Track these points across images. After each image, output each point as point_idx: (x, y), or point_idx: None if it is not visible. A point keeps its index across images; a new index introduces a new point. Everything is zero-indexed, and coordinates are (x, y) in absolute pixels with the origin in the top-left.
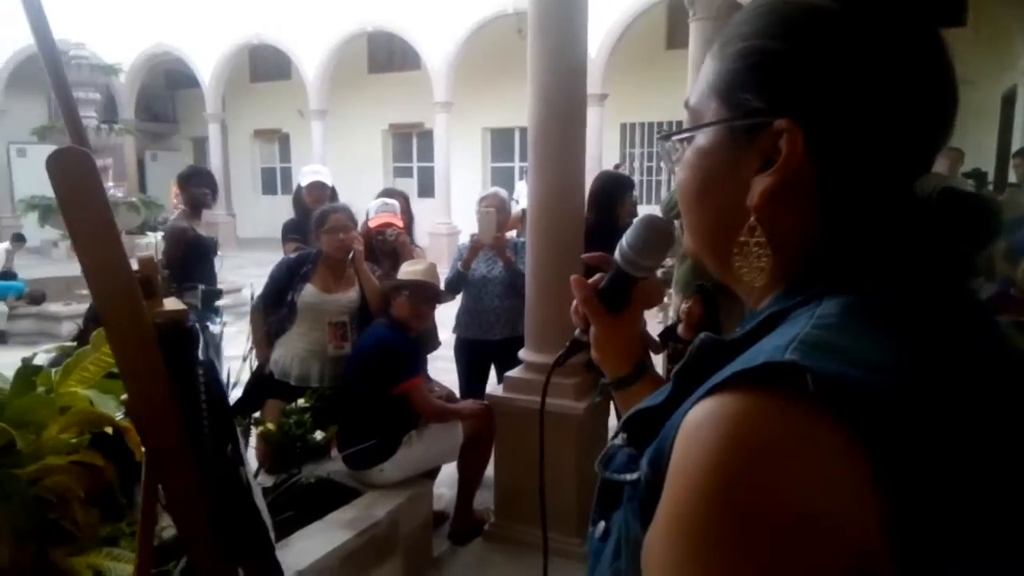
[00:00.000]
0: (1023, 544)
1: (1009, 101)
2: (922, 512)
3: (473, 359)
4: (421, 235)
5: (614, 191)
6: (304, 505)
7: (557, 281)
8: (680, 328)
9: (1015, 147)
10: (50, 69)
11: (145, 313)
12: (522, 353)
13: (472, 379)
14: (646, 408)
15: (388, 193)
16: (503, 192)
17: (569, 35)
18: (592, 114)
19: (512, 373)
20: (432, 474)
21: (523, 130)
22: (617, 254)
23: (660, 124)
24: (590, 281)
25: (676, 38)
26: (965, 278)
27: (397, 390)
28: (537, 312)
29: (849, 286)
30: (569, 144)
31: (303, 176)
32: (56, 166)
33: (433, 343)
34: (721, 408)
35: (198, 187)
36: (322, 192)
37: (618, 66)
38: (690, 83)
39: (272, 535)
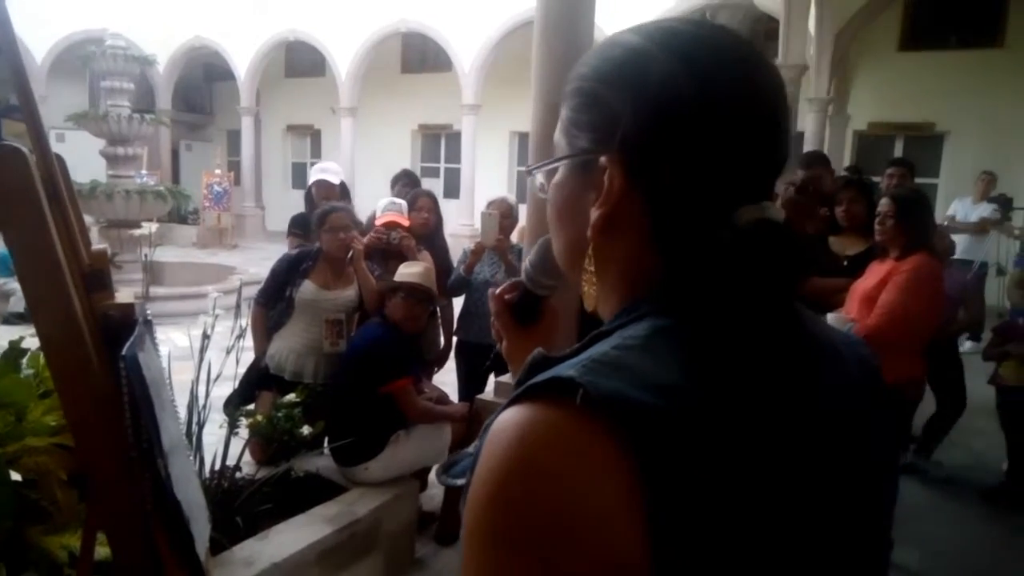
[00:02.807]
0: (772, 558)
1: None
2: (683, 530)
3: (472, 362)
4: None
5: None
6: (290, 498)
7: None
8: None
9: None
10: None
11: (75, 311)
12: None
13: (471, 382)
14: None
15: (407, 179)
16: (511, 198)
17: (573, 39)
18: None
19: (503, 378)
20: (422, 474)
21: None
22: (523, 273)
23: None
24: (506, 296)
25: None
26: (782, 305)
27: (384, 390)
28: None
29: (669, 310)
30: None
31: (313, 173)
32: None
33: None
34: (510, 416)
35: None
36: (330, 190)
37: None
38: None
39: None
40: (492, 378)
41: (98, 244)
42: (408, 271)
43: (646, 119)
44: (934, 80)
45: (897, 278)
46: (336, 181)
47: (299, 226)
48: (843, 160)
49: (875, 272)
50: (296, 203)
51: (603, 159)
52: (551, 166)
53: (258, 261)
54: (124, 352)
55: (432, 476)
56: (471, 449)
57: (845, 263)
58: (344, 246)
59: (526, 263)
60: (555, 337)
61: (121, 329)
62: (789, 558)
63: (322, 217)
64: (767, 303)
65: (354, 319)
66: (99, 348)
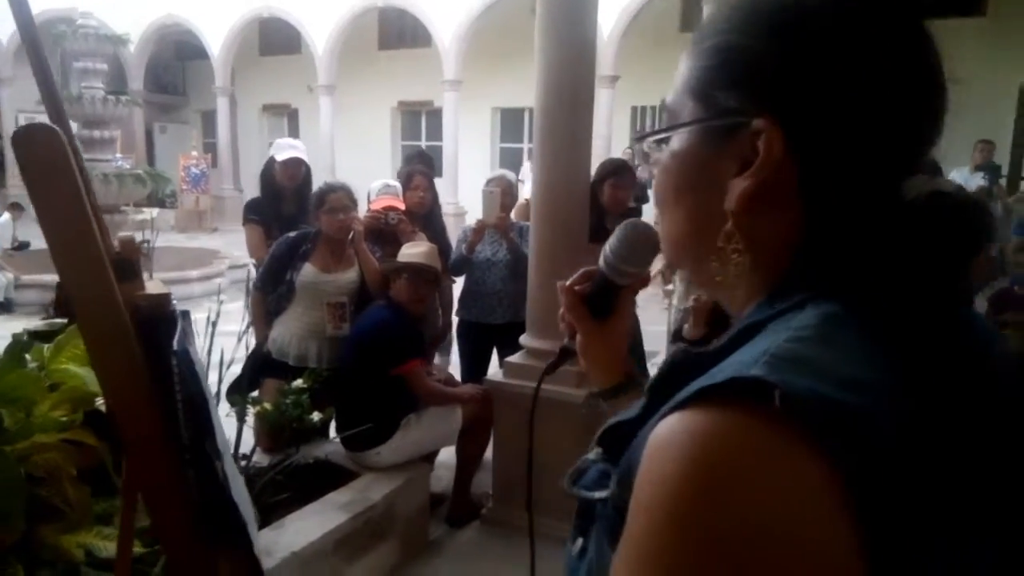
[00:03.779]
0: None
1: None
2: (897, 533)
3: (474, 342)
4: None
5: (596, 177)
6: (301, 486)
7: (560, 266)
8: (686, 328)
9: None
10: (31, 51)
11: (117, 299)
12: (523, 339)
13: (473, 362)
14: (620, 422)
15: (419, 160)
16: (510, 175)
17: (578, 12)
18: (602, 96)
19: (512, 359)
20: (431, 456)
21: (533, 111)
22: (601, 260)
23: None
24: (577, 287)
25: (691, 20)
26: (955, 284)
27: (395, 372)
28: (539, 298)
29: (832, 295)
30: (576, 126)
31: (278, 150)
32: (23, 142)
33: (441, 335)
34: (684, 425)
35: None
36: (297, 170)
37: (630, 48)
38: None
39: (253, 528)
40: (495, 358)
41: None
42: (412, 251)
43: (811, 75)
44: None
45: None
46: (306, 159)
47: (256, 211)
48: None
49: None
50: None
51: (757, 122)
52: (670, 134)
53: (240, 244)
54: (175, 347)
55: (440, 457)
56: (592, 456)
57: None
58: (344, 227)
59: (605, 249)
60: (631, 330)
61: (154, 322)
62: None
63: (321, 197)
64: (942, 285)
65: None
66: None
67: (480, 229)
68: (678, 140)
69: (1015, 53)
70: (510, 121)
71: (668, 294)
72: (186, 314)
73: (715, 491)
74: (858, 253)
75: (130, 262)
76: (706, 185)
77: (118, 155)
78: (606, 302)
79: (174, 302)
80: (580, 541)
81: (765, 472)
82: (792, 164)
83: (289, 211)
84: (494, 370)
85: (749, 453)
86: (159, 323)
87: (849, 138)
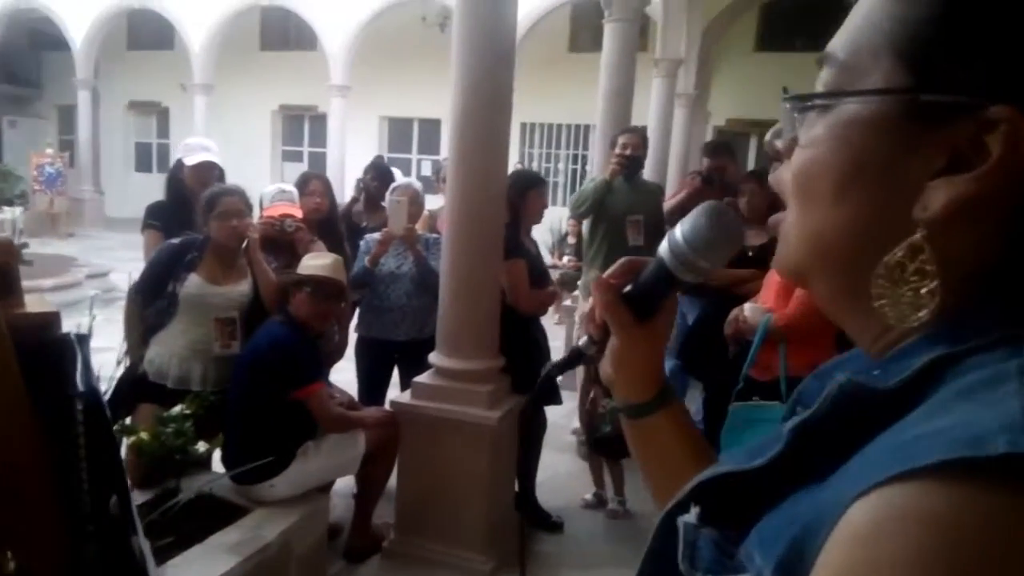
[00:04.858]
0: None
1: None
2: None
3: (375, 360)
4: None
5: (517, 188)
6: (183, 526)
7: (475, 280)
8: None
9: None
10: None
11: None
12: (432, 357)
13: (373, 382)
14: (733, 473)
15: (376, 171)
16: (417, 184)
17: (497, 19)
18: None
19: (421, 379)
20: (326, 485)
21: (423, 121)
22: (667, 251)
23: (560, 126)
24: (615, 282)
25: (579, 41)
26: None
27: (294, 396)
28: (451, 313)
29: None
30: (494, 135)
31: (188, 152)
32: None
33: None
34: (944, 505)
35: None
36: (210, 174)
37: (520, 66)
38: (602, 86)
39: None
40: (397, 376)
41: None
42: (315, 263)
43: None
44: (785, 80)
45: None
46: (220, 161)
47: (158, 217)
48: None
49: None
50: (141, 188)
51: (998, 109)
52: (848, 100)
53: (99, 251)
54: (80, 387)
55: (341, 486)
56: (691, 518)
57: (750, 253)
58: (238, 235)
59: (676, 236)
60: (669, 337)
61: (41, 349)
62: None
63: (211, 201)
64: None
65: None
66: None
67: (385, 240)
68: (858, 109)
69: None
70: (399, 131)
71: (566, 310)
72: (84, 339)
73: None
74: None
75: (4, 273)
76: (888, 177)
77: None
78: (656, 302)
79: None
80: None
81: None
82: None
83: (198, 219)
84: (398, 390)
85: None
86: (48, 351)
87: None
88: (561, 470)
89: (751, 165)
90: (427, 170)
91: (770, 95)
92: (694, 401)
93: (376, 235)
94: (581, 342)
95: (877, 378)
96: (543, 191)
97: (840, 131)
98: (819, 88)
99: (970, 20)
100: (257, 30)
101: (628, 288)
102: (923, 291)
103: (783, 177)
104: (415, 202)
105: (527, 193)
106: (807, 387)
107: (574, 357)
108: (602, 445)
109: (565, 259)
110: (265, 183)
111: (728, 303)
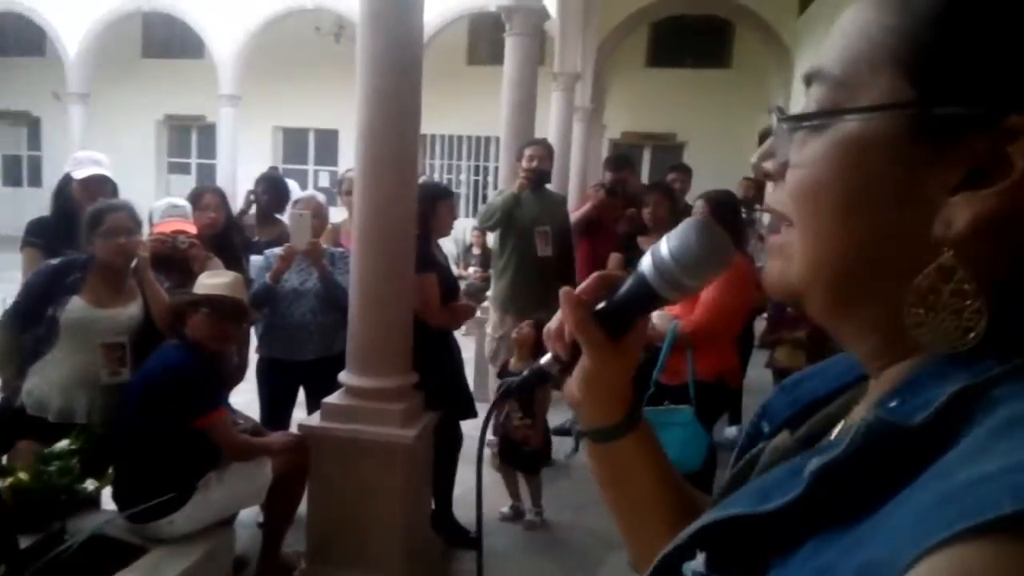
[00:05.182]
0: None
1: (765, 138)
2: None
3: (279, 382)
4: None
5: (427, 200)
6: (73, 572)
7: (386, 295)
8: (512, 362)
9: None
10: None
11: None
12: (342, 376)
13: (277, 405)
14: (743, 516)
15: (267, 183)
16: (320, 196)
17: (403, 30)
18: None
19: (331, 399)
20: (230, 516)
21: (320, 132)
22: (650, 266)
23: (461, 138)
24: (584, 297)
25: (477, 54)
26: None
27: (194, 425)
28: (362, 330)
29: None
30: (403, 147)
31: (77, 165)
32: None
33: (235, 376)
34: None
35: None
36: (101, 189)
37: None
38: (505, 99)
39: None
40: (303, 398)
41: None
42: (212, 282)
43: None
44: (675, 95)
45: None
46: (111, 175)
47: (39, 234)
48: (600, 167)
49: None
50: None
51: (1015, 119)
52: (851, 118)
53: None
54: None
55: (245, 516)
56: (698, 567)
57: None
58: (126, 253)
59: (661, 251)
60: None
61: None
62: None
63: (96, 217)
64: None
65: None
66: None
67: (288, 256)
68: (859, 126)
69: (755, 100)
70: (294, 142)
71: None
72: None
73: None
74: None
75: None
76: (901, 197)
77: None
78: (630, 319)
79: None
80: None
81: None
82: None
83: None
84: (301, 412)
85: None
86: None
87: None
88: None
89: (645, 176)
90: (325, 181)
91: (661, 109)
92: None
93: (277, 250)
94: (544, 361)
95: (898, 411)
96: (452, 203)
97: (842, 150)
98: (811, 106)
99: (975, 25)
100: (139, 36)
101: (601, 305)
102: (966, 313)
103: (779, 199)
104: (319, 215)
105: (437, 205)
106: (774, 401)
107: (536, 377)
108: (520, 460)
109: (471, 270)
110: (150, 196)
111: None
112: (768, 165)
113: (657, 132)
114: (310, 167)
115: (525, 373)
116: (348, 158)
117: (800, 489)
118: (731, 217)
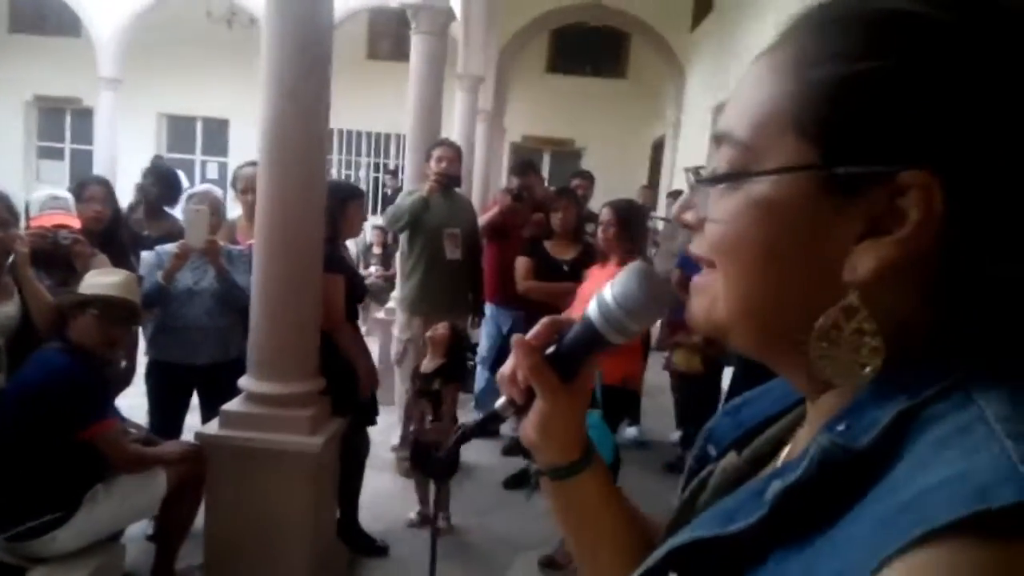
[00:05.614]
0: None
1: (658, 147)
2: None
3: (171, 387)
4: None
5: (336, 199)
6: None
7: (293, 298)
8: (425, 363)
9: (663, 187)
10: None
11: None
12: (243, 381)
13: (168, 412)
14: (711, 539)
15: (154, 176)
16: (217, 191)
17: (313, 19)
18: None
19: (230, 406)
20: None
21: (209, 120)
22: (597, 313)
23: (360, 134)
24: (534, 343)
25: (377, 49)
26: None
27: (81, 436)
28: (265, 334)
29: (984, 377)
30: (312, 143)
31: None
32: None
33: (121, 377)
34: (979, 561)
35: None
36: None
37: None
38: (412, 97)
39: None
40: (196, 402)
41: None
42: (102, 281)
43: (979, 118)
44: (574, 101)
45: None
46: None
47: None
48: (501, 169)
49: (598, 277)
50: None
51: (909, 175)
52: (764, 177)
53: None
54: None
55: (133, 529)
56: None
57: (565, 268)
58: (1, 248)
59: (605, 299)
60: (591, 396)
61: None
62: None
63: None
64: None
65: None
66: None
67: (183, 254)
68: (771, 187)
69: (650, 112)
70: (180, 130)
71: (372, 321)
72: None
73: None
74: (999, 327)
75: None
76: (813, 247)
77: None
78: (580, 362)
79: None
80: None
81: None
82: (938, 225)
83: None
84: (193, 417)
85: None
86: None
87: (1012, 194)
88: (382, 491)
89: (544, 180)
90: (213, 172)
91: (560, 115)
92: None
93: (170, 246)
94: (499, 405)
95: (846, 434)
96: (362, 203)
97: (756, 208)
98: (723, 167)
99: (866, 93)
100: (5, 10)
101: (551, 349)
102: (864, 350)
103: (701, 246)
104: (216, 211)
105: (347, 205)
106: (719, 424)
107: (490, 419)
108: (431, 467)
109: (372, 269)
110: (18, 183)
111: (544, 316)
112: (688, 217)
113: (556, 137)
114: (197, 157)
115: (480, 418)
116: (240, 149)
117: (764, 511)
118: (636, 226)
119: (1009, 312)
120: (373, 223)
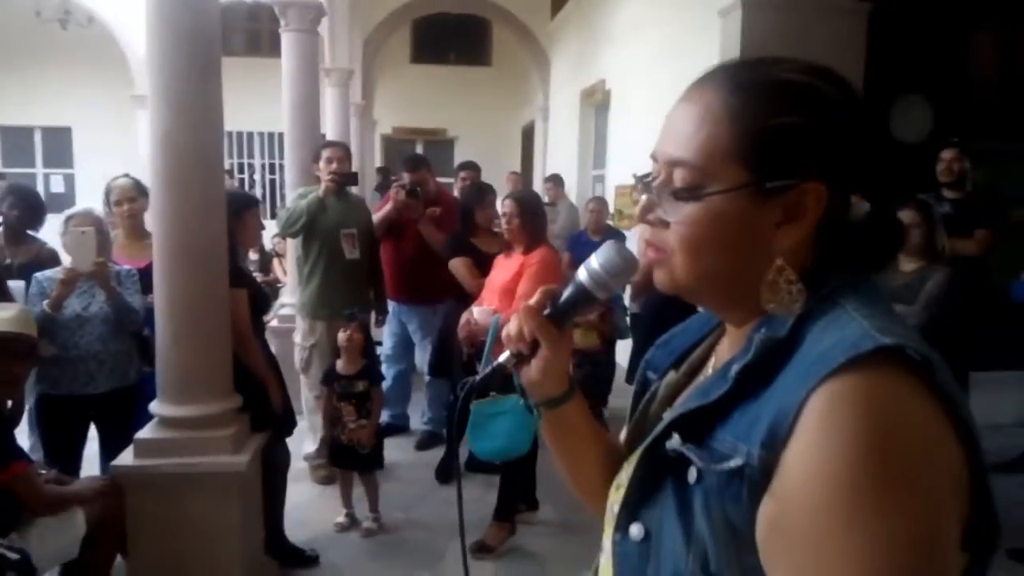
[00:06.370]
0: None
1: (528, 133)
2: (970, 440)
3: (65, 421)
4: None
5: (232, 209)
6: None
7: (201, 316)
8: (340, 364)
9: (536, 173)
10: None
11: None
12: (155, 407)
13: (63, 448)
14: (699, 407)
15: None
16: (98, 210)
17: (198, 22)
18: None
19: (143, 434)
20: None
21: (48, 130)
22: (587, 277)
23: (252, 135)
24: (536, 306)
25: (231, 46)
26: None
27: None
28: (174, 357)
29: (843, 287)
30: (208, 154)
31: None
32: None
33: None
34: (858, 386)
35: None
36: None
37: None
38: (286, 95)
39: None
40: (95, 432)
41: None
42: None
43: (844, 145)
44: (441, 91)
45: (529, 270)
46: None
47: None
48: (374, 162)
49: (505, 266)
50: None
51: (812, 184)
52: (713, 195)
53: None
54: None
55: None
56: (674, 443)
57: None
58: None
59: (595, 266)
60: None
61: None
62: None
63: None
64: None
65: None
66: None
67: (70, 279)
68: (721, 199)
69: (518, 99)
70: (16, 142)
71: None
72: None
73: (901, 428)
74: (846, 257)
75: None
76: (751, 233)
77: None
78: (570, 316)
79: None
80: (636, 527)
81: (922, 411)
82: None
83: None
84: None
85: (912, 399)
86: None
87: (862, 185)
88: (301, 501)
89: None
90: (57, 186)
91: (429, 105)
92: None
93: (52, 272)
94: (503, 359)
95: (771, 330)
96: (258, 212)
97: (711, 215)
98: (679, 183)
99: (786, 136)
100: None
101: (548, 310)
102: (794, 291)
103: (660, 238)
104: (100, 231)
105: (243, 215)
106: (655, 355)
107: (495, 373)
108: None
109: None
110: None
111: (460, 311)
112: (651, 218)
113: (427, 128)
114: (39, 170)
115: (488, 370)
116: (86, 159)
117: (730, 384)
118: (538, 216)
119: (857, 253)
120: (273, 233)
